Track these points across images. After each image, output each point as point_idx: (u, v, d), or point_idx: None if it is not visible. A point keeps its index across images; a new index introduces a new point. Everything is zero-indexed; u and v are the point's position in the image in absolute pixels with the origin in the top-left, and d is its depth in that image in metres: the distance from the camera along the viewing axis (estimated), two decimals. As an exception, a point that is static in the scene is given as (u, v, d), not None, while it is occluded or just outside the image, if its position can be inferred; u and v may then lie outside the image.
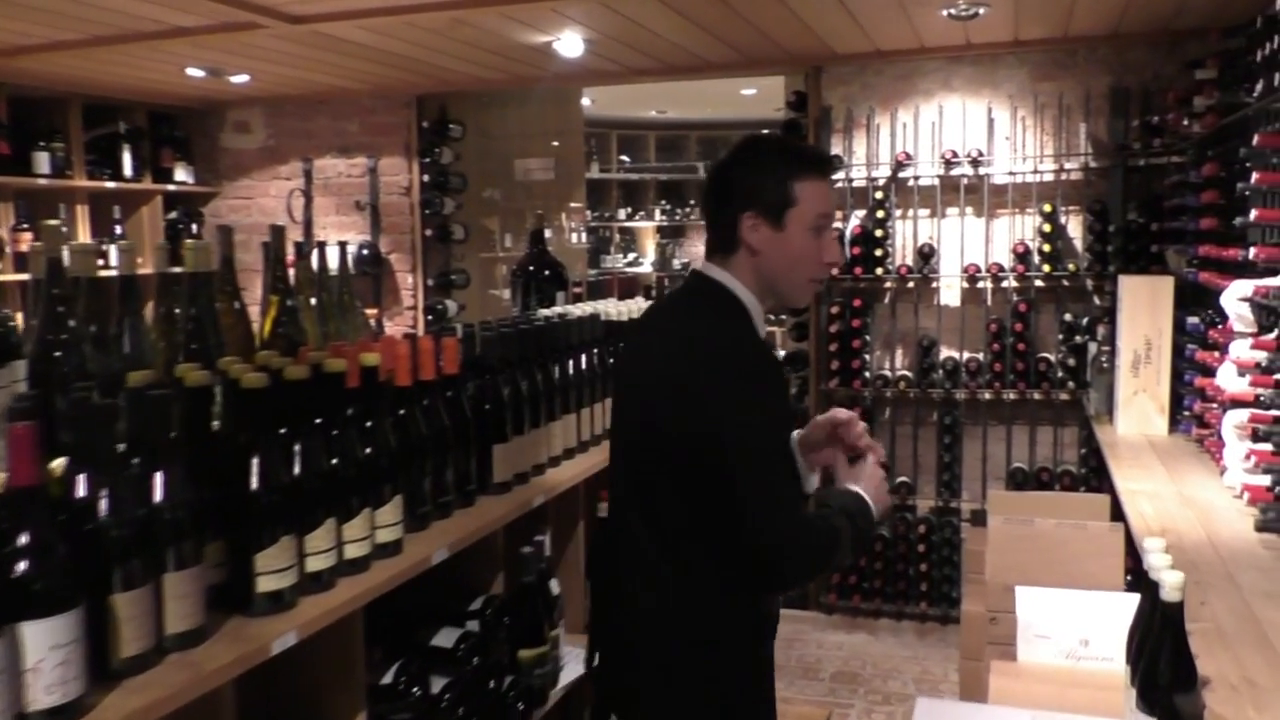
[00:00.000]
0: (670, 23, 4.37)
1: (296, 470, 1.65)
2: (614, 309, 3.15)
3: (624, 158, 11.07)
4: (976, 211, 5.22)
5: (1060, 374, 5.04)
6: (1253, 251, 2.88)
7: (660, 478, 1.85)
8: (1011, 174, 5.12)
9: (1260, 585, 2.28)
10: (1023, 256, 5.04)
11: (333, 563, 1.70)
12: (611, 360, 2.98)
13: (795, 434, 2.09)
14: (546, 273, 3.94)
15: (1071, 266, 4.98)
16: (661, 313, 2.13)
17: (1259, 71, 3.17)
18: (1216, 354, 3.58)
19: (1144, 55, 4.95)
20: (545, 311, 3.05)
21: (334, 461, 1.73)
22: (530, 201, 7.01)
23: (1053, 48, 5.04)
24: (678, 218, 11.38)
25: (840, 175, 5.32)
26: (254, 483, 1.57)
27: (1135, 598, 2.48)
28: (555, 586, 2.51)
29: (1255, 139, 2.88)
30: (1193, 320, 3.94)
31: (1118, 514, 3.98)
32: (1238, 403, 3.02)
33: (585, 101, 9.55)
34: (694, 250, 11.55)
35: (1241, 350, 2.98)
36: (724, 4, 4.09)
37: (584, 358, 2.83)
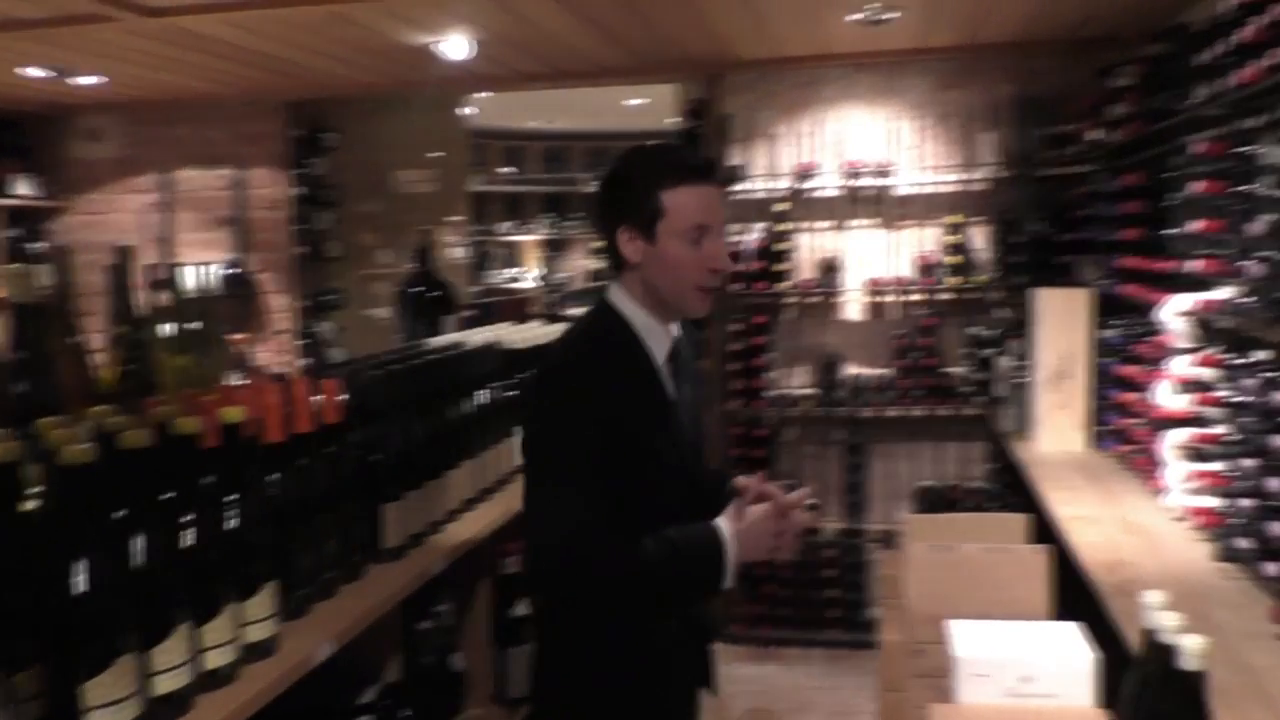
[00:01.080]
0: (567, 23, 4.07)
1: (138, 565, 1.29)
2: (515, 335, 2.83)
3: (508, 169, 10.72)
4: (881, 223, 5.06)
5: (968, 389, 4.91)
6: (1194, 264, 2.73)
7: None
8: (916, 185, 4.98)
9: (1237, 625, 2.10)
10: (928, 269, 4.90)
11: (188, 680, 1.33)
12: (514, 394, 2.67)
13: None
14: (434, 293, 3.60)
15: (979, 279, 4.86)
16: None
17: (1192, 77, 3.04)
18: (1140, 368, 3.46)
19: (1049, 63, 4.86)
20: (437, 341, 2.71)
21: (187, 548, 1.38)
22: (411, 215, 6.60)
23: (958, 55, 4.92)
24: (562, 230, 11.08)
25: (741, 186, 5.10)
26: (79, 586, 1.21)
27: (1071, 627, 2.30)
28: (459, 662, 2.18)
29: (1197, 146, 2.73)
30: (1109, 334, 3.83)
31: (1039, 535, 3.84)
32: (1177, 421, 2.88)
33: (468, 111, 9.20)
34: (576, 264, 11.26)
35: (1182, 366, 2.83)
36: (628, 5, 3.82)
37: (483, 393, 2.50)
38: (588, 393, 1.78)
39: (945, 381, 4.90)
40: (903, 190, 4.99)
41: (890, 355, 4.99)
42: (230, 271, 5.56)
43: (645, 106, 9.07)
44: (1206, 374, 2.74)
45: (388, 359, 2.28)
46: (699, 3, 3.86)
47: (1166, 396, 2.91)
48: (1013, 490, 4.77)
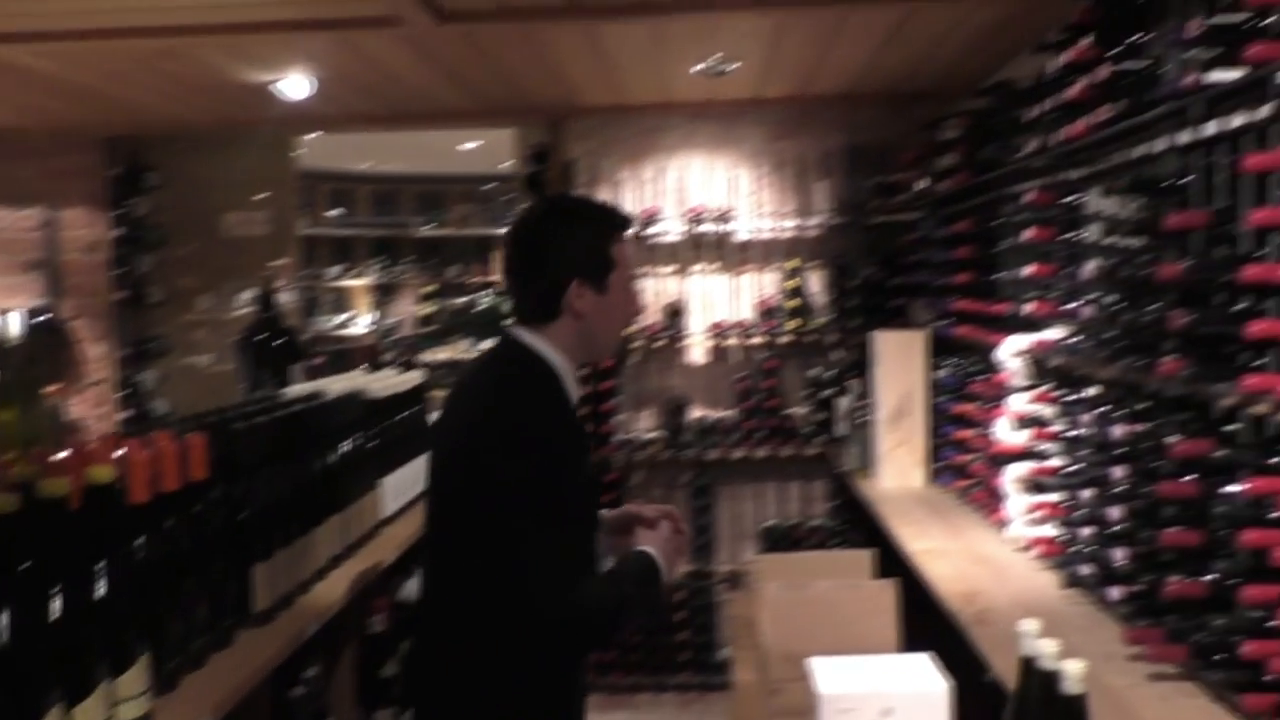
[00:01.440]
0: (415, 65, 4.02)
1: (2, 643, 1.16)
2: (375, 384, 2.74)
3: (336, 211, 10.45)
4: (722, 268, 5.18)
5: (809, 429, 5.05)
6: (1028, 306, 2.91)
7: (455, 541, 1.84)
8: (755, 231, 5.12)
9: (1091, 648, 2.21)
10: (769, 313, 5.04)
11: (59, 768, 1.21)
12: (375, 444, 2.58)
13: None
14: (279, 340, 3.45)
15: (817, 322, 5.03)
16: (470, 380, 2.03)
17: (1017, 131, 3.25)
18: (976, 406, 3.64)
19: (874, 115, 5.11)
20: (294, 391, 2.59)
21: (54, 622, 1.26)
22: (239, 258, 6.33)
23: (790, 106, 5.11)
24: (393, 275, 10.85)
25: (586, 231, 5.12)
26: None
27: (923, 658, 2.39)
28: (330, 728, 2.07)
29: (1028, 196, 2.92)
30: (943, 373, 4.02)
31: (883, 569, 3.97)
32: (1016, 455, 3.03)
33: (297, 152, 8.92)
34: (406, 309, 11.04)
35: (1019, 403, 2.99)
36: (475, 48, 3.80)
37: (348, 445, 2.41)
38: (538, 437, 1.79)
39: (787, 422, 5.03)
40: (743, 236, 5.12)
41: (734, 398, 5.09)
42: (40, 319, 5.17)
43: (478, 150, 9.03)
44: (1043, 410, 2.91)
45: (250, 410, 2.16)
46: (549, 50, 3.88)
47: (1005, 432, 3.07)
48: (853, 527, 4.93)
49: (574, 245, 1.86)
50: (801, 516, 5.18)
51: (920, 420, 3.99)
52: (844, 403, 4.63)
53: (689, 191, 5.16)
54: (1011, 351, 3.03)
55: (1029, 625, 1.76)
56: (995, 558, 2.97)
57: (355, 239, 10.53)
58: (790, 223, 5.11)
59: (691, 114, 5.16)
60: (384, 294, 10.98)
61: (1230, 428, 2.06)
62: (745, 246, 5.13)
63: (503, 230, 9.11)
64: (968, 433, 3.65)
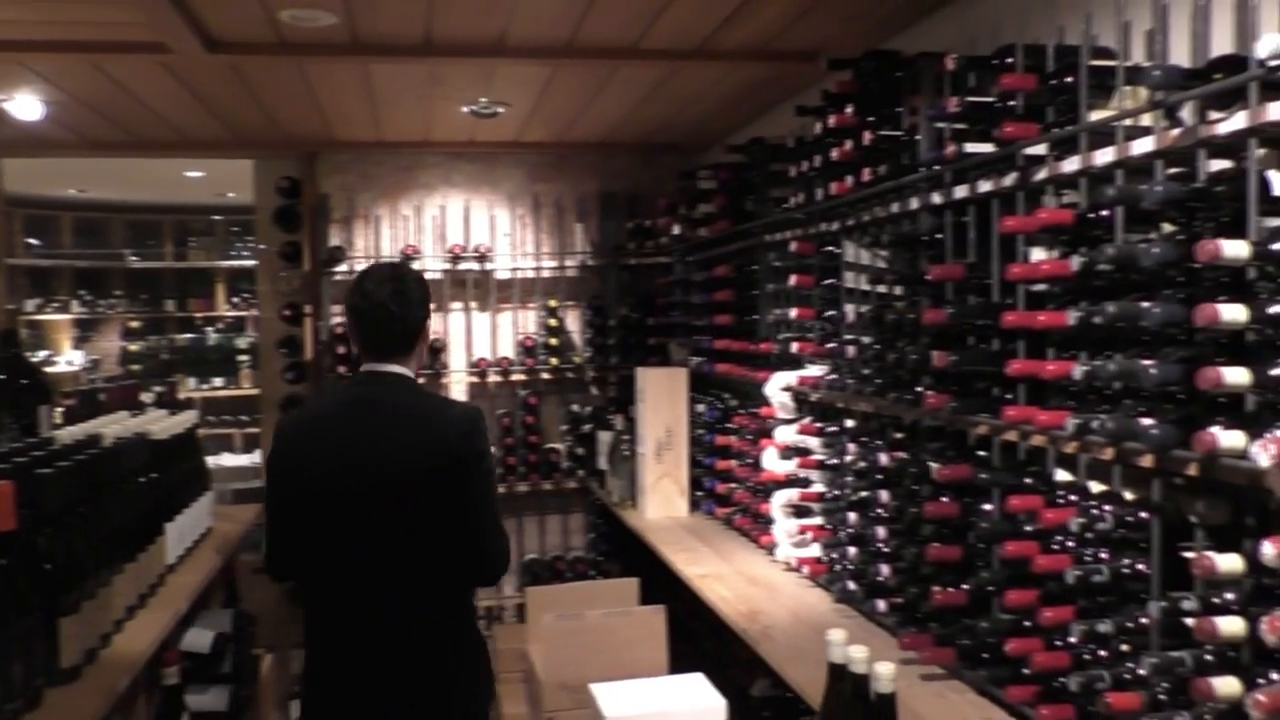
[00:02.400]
0: (170, 93, 3.83)
1: None
2: (154, 426, 2.60)
3: (32, 240, 9.57)
4: (482, 306, 5.23)
5: (569, 464, 5.18)
6: (794, 346, 3.17)
7: (438, 517, 2.27)
8: (514, 270, 5.22)
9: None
10: (530, 350, 5.14)
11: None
12: (161, 489, 2.45)
13: None
14: (23, 381, 3.17)
15: (576, 359, 5.18)
16: (382, 404, 2.34)
17: (772, 184, 3.55)
18: (736, 438, 3.89)
19: (627, 164, 5.35)
20: (70, 434, 2.41)
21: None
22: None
23: (547, 151, 5.26)
24: (100, 310, 10.05)
25: (343, 268, 5.03)
26: None
27: (697, 677, 2.57)
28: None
29: (793, 245, 3.19)
30: (702, 408, 4.27)
31: (648, 596, 4.14)
32: (782, 483, 3.29)
33: (-10, 174, 8.11)
34: (103, 346, 10.23)
35: (786, 435, 3.25)
36: (240, 79, 3.68)
37: (138, 490, 2.28)
38: None
39: (548, 457, 5.14)
40: (502, 275, 5.20)
41: (497, 434, 5.14)
42: None
43: (201, 180, 8.59)
44: (807, 440, 3.18)
45: (41, 455, 2.00)
46: (320, 86, 3.83)
47: (772, 461, 3.32)
48: (613, 558, 5.09)
49: (428, 295, 2.42)
50: (562, 549, 5.29)
51: (683, 453, 4.21)
52: (605, 437, 4.80)
53: (448, 230, 5.19)
54: (778, 387, 3.29)
55: (838, 634, 1.95)
56: (767, 578, 3.20)
57: (56, 270, 9.68)
58: (549, 263, 5.25)
59: (451, 153, 5.20)
60: (88, 329, 10.14)
61: (983, 454, 2.36)
62: (505, 285, 5.22)
63: (228, 263, 8.60)
64: (730, 463, 3.90)
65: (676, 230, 4.68)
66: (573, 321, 5.32)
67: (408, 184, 5.19)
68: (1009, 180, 2.20)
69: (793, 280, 3.18)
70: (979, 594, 2.26)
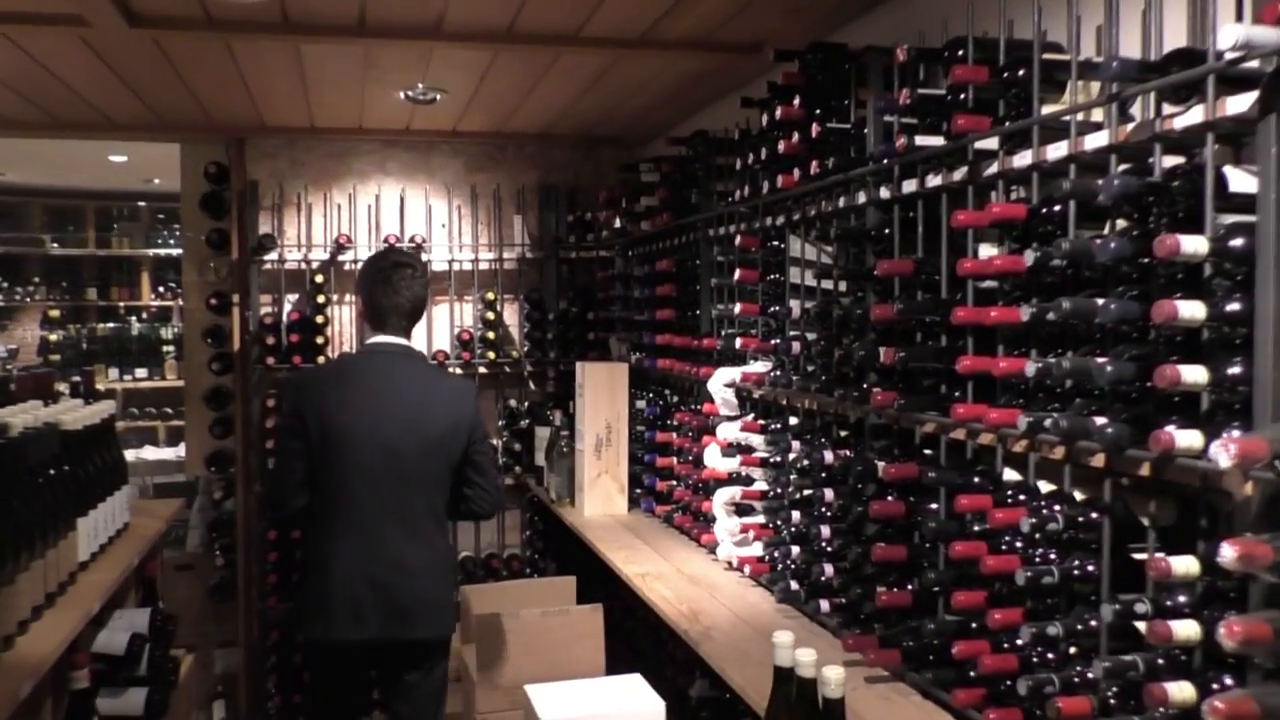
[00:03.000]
0: (90, 70, 3.66)
1: None
2: (67, 415, 2.46)
3: (-56, 224, 9.20)
4: (417, 298, 5.10)
5: (505, 460, 5.08)
6: (740, 341, 3.12)
7: (450, 466, 3.04)
8: (451, 261, 5.10)
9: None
10: (466, 344, 5.03)
11: None
12: (72, 482, 2.32)
13: None
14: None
15: (514, 353, 5.08)
16: (403, 372, 3.08)
17: (715, 176, 3.50)
18: (677, 435, 3.84)
19: (566, 156, 5.27)
20: (-28, 424, 2.27)
21: None
22: None
23: (486, 141, 5.15)
24: (18, 298, 9.69)
25: (273, 256, 4.88)
26: None
27: (635, 678, 2.51)
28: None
29: (738, 239, 3.14)
30: (642, 404, 4.21)
31: (585, 597, 4.08)
32: (724, 481, 3.23)
33: (-105, 154, 7.78)
34: (20, 335, 9.86)
35: (729, 432, 3.20)
36: (164, 57, 3.52)
37: (47, 482, 2.15)
38: None
39: (484, 453, 5.03)
40: (438, 266, 5.09)
41: (430, 429, 5.02)
42: None
43: (126, 164, 8.32)
44: (749, 438, 3.13)
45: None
46: (247, 66, 3.69)
47: (714, 459, 3.26)
48: (549, 556, 5.01)
49: None
50: (498, 547, 5.19)
51: (623, 449, 4.14)
52: (543, 433, 4.71)
53: (383, 219, 5.06)
54: (720, 383, 3.24)
55: (784, 637, 1.90)
56: (708, 577, 3.15)
57: (-31, 256, 9.31)
58: (487, 255, 5.15)
59: (385, 141, 5.07)
60: (3, 317, 9.77)
61: (929, 452, 2.33)
62: (441, 277, 5.10)
63: (153, 251, 8.35)
64: (670, 460, 3.84)
65: (617, 224, 4.61)
66: (510, 315, 5.22)
67: (341, 171, 5.05)
68: (959, 175, 2.16)
69: (737, 275, 3.13)
70: (925, 595, 2.23)
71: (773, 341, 3.01)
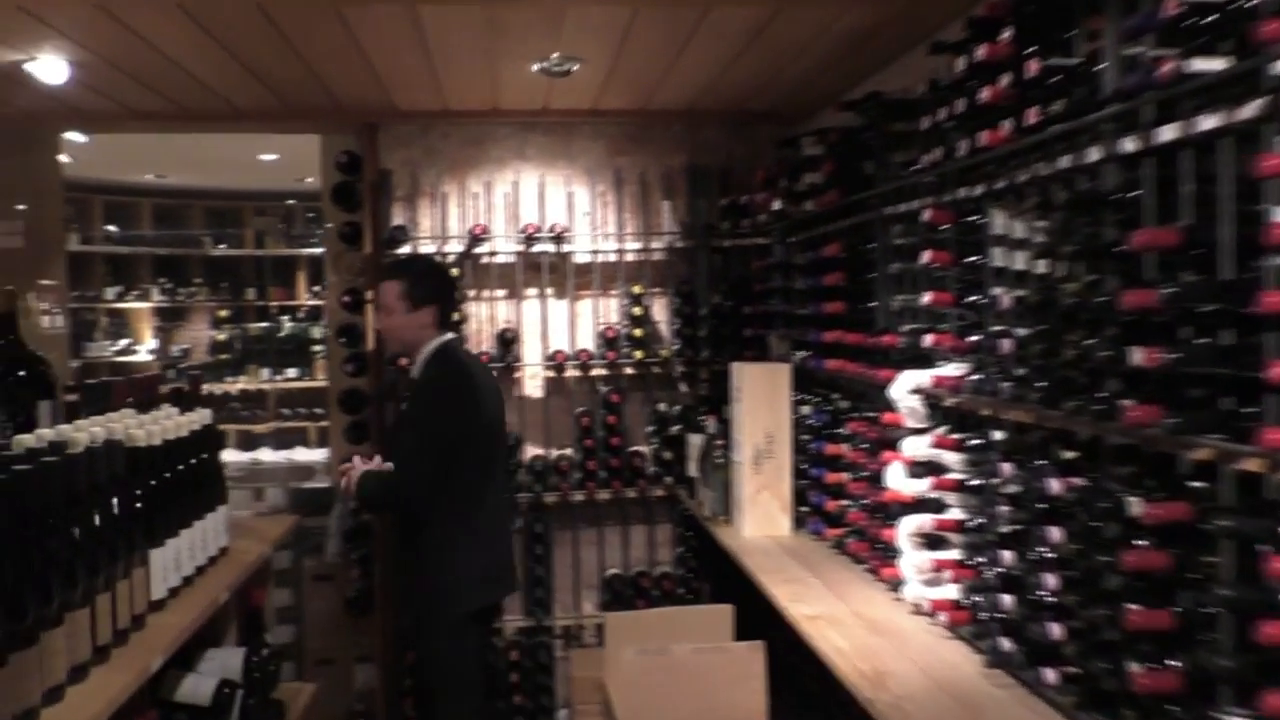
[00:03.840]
0: (197, 49, 3.38)
1: None
2: (139, 429, 2.12)
3: (112, 227, 9.38)
4: (559, 293, 4.71)
5: (654, 469, 4.64)
6: (927, 339, 2.57)
7: None
8: (594, 253, 4.68)
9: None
10: (611, 342, 4.60)
11: None
12: (141, 507, 1.98)
13: None
14: (21, 373, 2.76)
15: (663, 352, 4.62)
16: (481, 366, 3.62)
17: (894, 145, 2.95)
18: (849, 447, 3.31)
19: (716, 135, 4.78)
20: (30, 438, 1.95)
21: None
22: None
23: (629, 120, 4.71)
24: (180, 298, 9.83)
25: (406, 250, 4.56)
26: None
27: None
28: None
29: (928, 214, 2.58)
30: (806, 410, 3.69)
31: (744, 626, 3.59)
32: (912, 506, 2.69)
33: (62, 159, 7.91)
34: (197, 335, 10.04)
35: (916, 447, 2.65)
36: (277, 33, 3.21)
37: (100, 513, 1.80)
38: None
39: (632, 461, 4.60)
40: (581, 258, 4.68)
41: (573, 434, 4.62)
42: None
43: (276, 163, 8.26)
44: (942, 456, 2.58)
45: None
46: (363, 35, 3.33)
47: (898, 479, 2.72)
48: (703, 575, 4.54)
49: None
50: (648, 564, 4.75)
51: (785, 462, 3.63)
52: (696, 441, 4.24)
53: (521, 208, 4.68)
54: (906, 389, 2.69)
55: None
56: (892, 624, 2.61)
57: (135, 257, 9.49)
58: (633, 245, 4.71)
59: (523, 124, 4.69)
60: (169, 318, 9.94)
61: (1199, 485, 1.74)
62: (584, 269, 4.69)
63: (308, 251, 8.32)
64: (841, 477, 3.31)
65: (776, 206, 4.10)
66: (659, 310, 4.77)
67: (477, 158, 4.70)
68: (1252, 109, 1.57)
69: (924, 257, 2.58)
70: (1200, 679, 1.65)
71: (972, 338, 2.45)
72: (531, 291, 4.70)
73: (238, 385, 8.22)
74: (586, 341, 4.69)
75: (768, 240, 4.39)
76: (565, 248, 4.63)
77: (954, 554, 2.55)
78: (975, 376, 2.46)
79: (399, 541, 3.55)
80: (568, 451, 4.62)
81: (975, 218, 2.52)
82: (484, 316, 4.67)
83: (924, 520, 2.61)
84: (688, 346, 4.63)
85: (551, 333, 4.67)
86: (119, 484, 1.94)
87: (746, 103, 4.49)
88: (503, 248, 4.63)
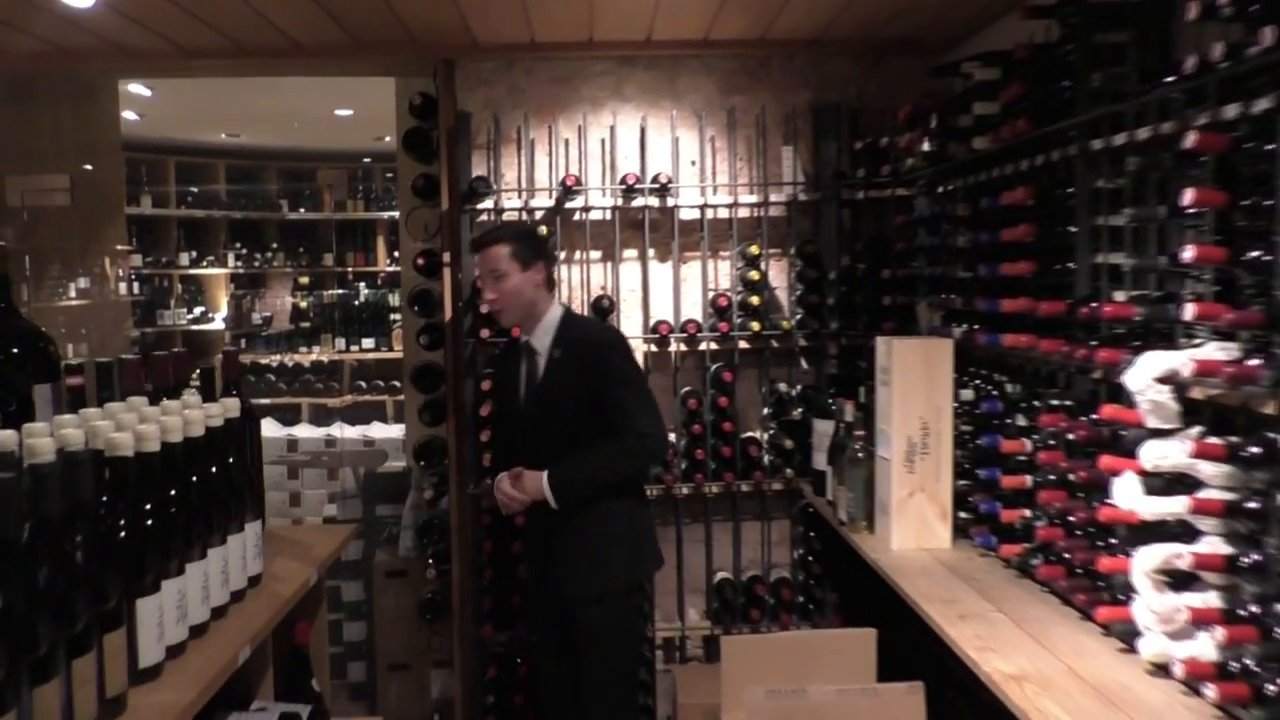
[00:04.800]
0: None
1: None
2: (118, 433, 1.56)
3: (191, 188, 9.02)
4: (662, 255, 4.09)
5: (771, 458, 4.00)
6: (1189, 309, 1.88)
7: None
8: (703, 208, 4.04)
9: None
10: (724, 312, 3.96)
11: None
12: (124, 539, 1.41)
13: None
14: (14, 350, 2.26)
15: (784, 324, 3.97)
16: None
17: (1106, 62, 2.25)
18: (1029, 444, 2.64)
19: (846, 68, 4.09)
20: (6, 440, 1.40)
21: None
22: (40, 241, 5.01)
23: (744, 53, 4.04)
24: (256, 264, 9.45)
25: (488, 204, 3.98)
26: None
27: None
28: None
29: (1191, 139, 1.89)
30: (968, 394, 3.02)
31: (887, 658, 2.96)
32: (1149, 531, 2.02)
33: (130, 116, 7.53)
34: (275, 303, 9.66)
35: (1161, 454, 1.97)
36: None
37: (53, 556, 1.24)
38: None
39: (746, 450, 3.97)
40: (687, 214, 4.04)
41: (679, 418, 4.00)
42: None
43: (353, 120, 7.79)
44: (1200, 468, 1.90)
45: None
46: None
47: (1133, 494, 2.05)
48: (827, 582, 3.92)
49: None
50: (761, 568, 4.13)
51: (944, 460, 2.97)
52: (824, 428, 3.60)
53: (619, 156, 4.05)
54: (1150, 375, 2.01)
55: None
56: (1131, 694, 1.94)
57: (210, 221, 9.12)
58: (748, 199, 4.05)
59: (621, 58, 4.05)
60: (246, 284, 9.58)
61: None
62: (691, 227, 4.06)
63: (388, 214, 7.81)
64: (1021, 480, 2.64)
65: (925, 148, 3.40)
66: (777, 275, 4.12)
67: (568, 99, 4.08)
68: None
69: (1187, 196, 1.88)
70: None
71: (1253, 308, 1.77)
72: (630, 253, 4.08)
73: (310, 357, 7.78)
74: (693, 311, 4.06)
75: (910, 191, 3.70)
76: (670, 201, 4.00)
77: (1215, 599, 1.88)
78: (1254, 362, 1.78)
79: (554, 515, 3.09)
80: (671, 438, 4.00)
81: (1254, 143, 1.83)
82: (575, 282, 4.07)
83: (1169, 551, 1.94)
84: (812, 317, 3.97)
85: (653, 301, 4.05)
86: (82, 513, 1.37)
87: (882, 28, 3.81)
88: (597, 202, 4.01)
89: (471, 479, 3.91)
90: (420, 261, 4.00)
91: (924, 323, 3.46)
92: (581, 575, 3.10)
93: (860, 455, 3.19)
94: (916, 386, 2.96)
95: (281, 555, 2.20)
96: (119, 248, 6.15)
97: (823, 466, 3.59)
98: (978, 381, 3.07)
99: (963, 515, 3.01)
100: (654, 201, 3.99)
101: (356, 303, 7.92)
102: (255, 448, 2.30)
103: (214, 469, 1.85)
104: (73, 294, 4.96)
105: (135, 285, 8.51)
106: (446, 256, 3.94)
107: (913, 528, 3.00)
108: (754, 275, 3.95)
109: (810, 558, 3.99)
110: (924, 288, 3.49)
